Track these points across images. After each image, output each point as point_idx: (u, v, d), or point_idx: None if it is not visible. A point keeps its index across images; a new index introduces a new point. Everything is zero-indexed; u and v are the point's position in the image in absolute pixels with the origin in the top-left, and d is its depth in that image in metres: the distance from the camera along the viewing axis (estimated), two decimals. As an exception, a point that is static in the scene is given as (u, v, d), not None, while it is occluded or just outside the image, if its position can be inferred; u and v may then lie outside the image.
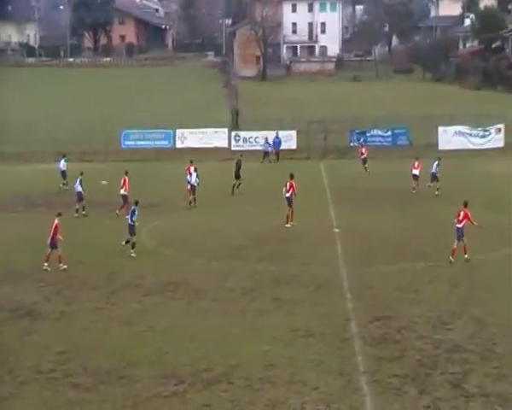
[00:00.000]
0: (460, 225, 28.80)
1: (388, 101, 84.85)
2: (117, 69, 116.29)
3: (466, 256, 28.73)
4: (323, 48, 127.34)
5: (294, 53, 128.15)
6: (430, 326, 22.19)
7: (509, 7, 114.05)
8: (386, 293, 25.38)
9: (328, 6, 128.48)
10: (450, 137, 61.11)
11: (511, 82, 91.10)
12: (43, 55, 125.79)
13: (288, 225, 35.16)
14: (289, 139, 62.00)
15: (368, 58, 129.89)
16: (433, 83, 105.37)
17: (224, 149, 61.22)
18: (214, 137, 63.23)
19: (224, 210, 39.46)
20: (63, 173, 46.76)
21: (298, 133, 61.99)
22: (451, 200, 40.59)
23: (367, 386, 18.31)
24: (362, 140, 60.43)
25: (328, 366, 19.49)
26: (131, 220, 30.39)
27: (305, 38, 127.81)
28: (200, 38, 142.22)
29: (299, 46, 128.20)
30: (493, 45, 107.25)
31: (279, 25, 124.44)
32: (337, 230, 34.55)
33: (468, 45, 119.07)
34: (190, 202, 40.14)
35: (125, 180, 37.98)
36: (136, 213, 30.54)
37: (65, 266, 28.50)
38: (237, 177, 43.83)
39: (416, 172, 43.17)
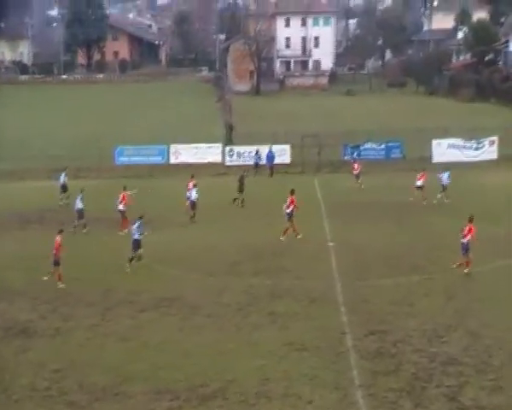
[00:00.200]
0: (465, 240, 28.83)
1: (382, 114, 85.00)
2: (110, 85, 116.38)
3: (465, 271, 28.76)
4: (317, 62, 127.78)
5: (288, 67, 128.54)
6: (425, 339, 22.20)
7: (502, 20, 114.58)
8: (382, 306, 25.39)
9: (321, 20, 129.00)
10: (444, 150, 61.21)
11: (504, 94, 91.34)
12: (37, 73, 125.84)
13: (282, 239, 35.23)
14: (283, 154, 62.04)
15: (361, 72, 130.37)
16: (427, 96, 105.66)
17: (217, 164, 61.25)
18: (208, 153, 63.22)
19: (219, 225, 39.44)
20: (63, 187, 46.73)
21: (292, 147, 62.04)
22: (446, 212, 40.78)
23: (362, 400, 18.31)
24: (355, 154, 60.55)
25: (323, 379, 19.48)
26: (136, 235, 30.36)
27: (299, 52, 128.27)
28: (194, 53, 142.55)
29: (292, 60, 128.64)
30: (486, 58, 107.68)
31: (272, 39, 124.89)
32: (332, 244, 34.55)
33: (461, 58, 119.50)
34: (191, 217, 40.24)
35: (124, 196, 38.09)
36: (141, 227, 30.53)
37: (62, 285, 28.43)
38: (240, 191, 43.96)
39: (419, 183, 43.81)
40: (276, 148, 60.78)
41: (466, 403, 18.03)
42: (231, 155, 63.00)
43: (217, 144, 64.08)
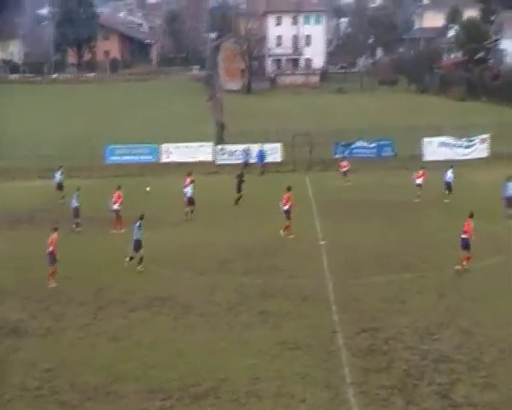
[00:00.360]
0: (464, 236, 28.86)
1: (373, 112, 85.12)
2: (101, 85, 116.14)
3: (459, 266, 28.77)
4: (308, 60, 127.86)
5: (279, 66, 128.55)
6: (417, 337, 22.23)
7: (492, 18, 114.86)
8: (373, 304, 25.41)
9: (312, 19, 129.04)
10: (435, 148, 61.32)
11: (495, 93, 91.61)
12: (27, 72, 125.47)
13: (282, 234, 35.29)
14: (274, 152, 62.01)
15: (352, 70, 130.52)
16: (418, 94, 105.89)
17: (209, 162, 61.17)
18: (199, 151, 63.13)
19: (210, 224, 39.41)
20: (59, 185, 46.67)
21: (283, 146, 62.04)
22: (437, 210, 40.88)
23: (354, 398, 18.32)
24: (346, 153, 60.68)
25: (315, 378, 19.48)
26: (137, 235, 30.26)
27: (290, 50, 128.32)
28: (185, 52, 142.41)
29: (283, 59, 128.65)
30: (477, 56, 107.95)
31: (264, 38, 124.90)
32: (323, 242, 34.56)
33: (452, 56, 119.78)
34: (186, 213, 40.26)
35: (118, 195, 38.07)
36: (142, 227, 30.44)
37: (54, 285, 28.31)
38: (239, 190, 43.98)
39: (419, 181, 44.16)
40: (267, 146, 60.77)
41: (458, 400, 18.06)
42: (222, 154, 62.95)
43: (208, 143, 64.02)
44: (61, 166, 48.42)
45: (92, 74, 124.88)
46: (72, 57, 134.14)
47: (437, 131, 62.67)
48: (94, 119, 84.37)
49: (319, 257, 32.03)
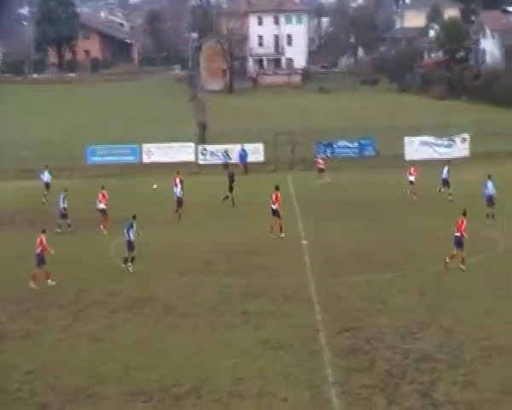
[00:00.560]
0: (458, 234, 28.93)
1: (355, 112, 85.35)
2: (82, 85, 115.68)
3: (447, 260, 28.83)
4: (290, 60, 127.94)
5: (261, 66, 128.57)
6: (399, 336, 22.27)
7: (473, 18, 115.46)
8: (355, 304, 25.44)
9: (293, 18, 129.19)
10: (417, 147, 61.57)
11: (475, 92, 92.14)
12: (6, 72, 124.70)
13: (282, 235, 35.17)
14: (256, 152, 61.99)
15: (334, 70, 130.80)
16: (399, 93, 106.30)
17: (190, 163, 61.02)
18: (181, 152, 62.97)
19: (193, 224, 39.33)
20: (47, 185, 46.54)
21: (265, 146, 62.02)
22: (419, 209, 41.00)
23: (336, 398, 18.32)
24: (328, 152, 60.96)
25: (298, 377, 19.47)
26: (129, 236, 30.10)
27: (272, 50, 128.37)
28: (166, 51, 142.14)
29: (265, 59, 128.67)
30: (458, 56, 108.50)
31: (245, 38, 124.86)
32: (305, 242, 34.58)
33: (432, 56, 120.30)
34: (178, 214, 40.19)
35: (103, 194, 37.99)
36: (134, 227, 30.28)
37: (35, 286, 28.12)
38: (231, 189, 43.86)
39: (411, 178, 44.38)
40: (249, 146, 60.69)
41: (438, 399, 18.12)
42: (204, 154, 62.87)
43: (190, 144, 63.89)
44: (47, 166, 48.16)
45: (73, 74, 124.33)
46: (52, 57, 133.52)
47: (418, 131, 62.94)
48: (74, 119, 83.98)
49: (301, 257, 32.05)
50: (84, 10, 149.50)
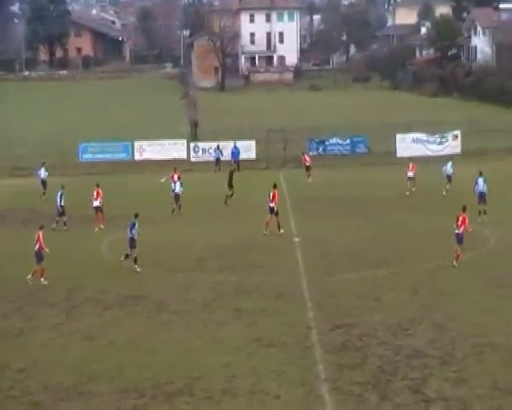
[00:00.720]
0: (459, 231, 28.97)
1: (347, 109, 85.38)
2: (74, 82, 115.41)
3: (454, 263, 28.94)
4: (282, 57, 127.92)
5: (253, 63, 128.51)
6: (390, 333, 22.32)
7: (464, 15, 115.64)
8: (347, 301, 25.48)
9: (285, 16, 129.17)
10: (409, 145, 61.62)
11: (467, 89, 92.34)
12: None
13: (281, 232, 35.16)
14: (248, 149, 61.98)
15: (326, 67, 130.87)
16: (391, 91, 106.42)
17: (183, 160, 60.94)
18: (173, 149, 62.93)
19: (184, 222, 39.30)
20: (43, 182, 46.38)
21: (257, 143, 62.00)
22: (412, 207, 41.04)
23: (328, 394, 18.36)
24: (321, 149, 61.10)
25: (290, 375, 19.50)
26: (131, 233, 30.03)
27: (264, 48, 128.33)
28: (158, 49, 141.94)
29: (257, 56, 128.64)
30: (449, 53, 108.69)
31: (237, 35, 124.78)
32: (297, 239, 34.60)
33: (424, 53, 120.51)
34: (173, 210, 40.23)
35: (98, 192, 37.95)
36: (136, 226, 30.21)
37: (31, 281, 28.06)
38: (230, 186, 43.85)
39: (410, 174, 44.51)
40: (241, 143, 60.64)
41: (430, 395, 18.18)
42: (196, 152, 62.84)
43: (182, 141, 63.85)
44: (44, 163, 47.98)
45: (64, 72, 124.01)
46: (43, 54, 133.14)
47: (409, 128, 63.04)
48: (66, 117, 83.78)
49: (294, 254, 32.08)
50: (75, 7, 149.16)
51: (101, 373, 19.94)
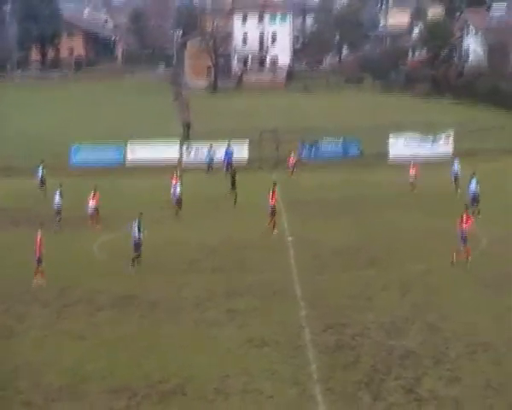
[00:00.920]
0: (465, 229, 28.97)
1: (339, 111, 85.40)
2: (66, 83, 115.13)
3: (459, 259, 28.94)
4: (274, 58, 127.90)
5: (245, 64, 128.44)
6: (383, 332, 22.32)
7: (457, 15, 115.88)
8: (340, 300, 25.47)
9: (278, 17, 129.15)
10: (401, 146, 61.66)
11: (459, 90, 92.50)
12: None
13: (275, 232, 35.21)
14: (241, 150, 61.89)
15: (319, 68, 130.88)
16: (384, 92, 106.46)
17: (175, 161, 60.74)
18: (166, 150, 62.80)
19: (178, 222, 39.23)
20: (42, 181, 46.28)
21: (249, 144, 61.93)
22: (403, 207, 41.06)
23: (321, 394, 18.33)
24: (313, 151, 61.16)
25: (283, 374, 19.48)
26: (138, 236, 29.89)
27: (256, 48, 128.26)
28: (150, 49, 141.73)
29: (250, 57, 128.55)
30: (442, 54, 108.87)
31: (230, 36, 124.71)
32: (290, 239, 34.59)
33: (417, 54, 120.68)
34: (177, 212, 40.12)
35: (95, 195, 37.91)
36: (141, 225, 30.13)
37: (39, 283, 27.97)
38: (234, 187, 43.77)
39: (412, 174, 44.92)
40: (233, 144, 60.54)
41: (423, 394, 18.18)
42: (189, 153, 62.72)
43: (174, 142, 63.73)
44: (42, 161, 47.86)
45: (56, 72, 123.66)
46: (35, 55, 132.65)
47: (402, 129, 63.07)
48: (58, 118, 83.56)
49: (287, 253, 32.06)
50: (67, 8, 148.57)
51: (93, 373, 19.88)
